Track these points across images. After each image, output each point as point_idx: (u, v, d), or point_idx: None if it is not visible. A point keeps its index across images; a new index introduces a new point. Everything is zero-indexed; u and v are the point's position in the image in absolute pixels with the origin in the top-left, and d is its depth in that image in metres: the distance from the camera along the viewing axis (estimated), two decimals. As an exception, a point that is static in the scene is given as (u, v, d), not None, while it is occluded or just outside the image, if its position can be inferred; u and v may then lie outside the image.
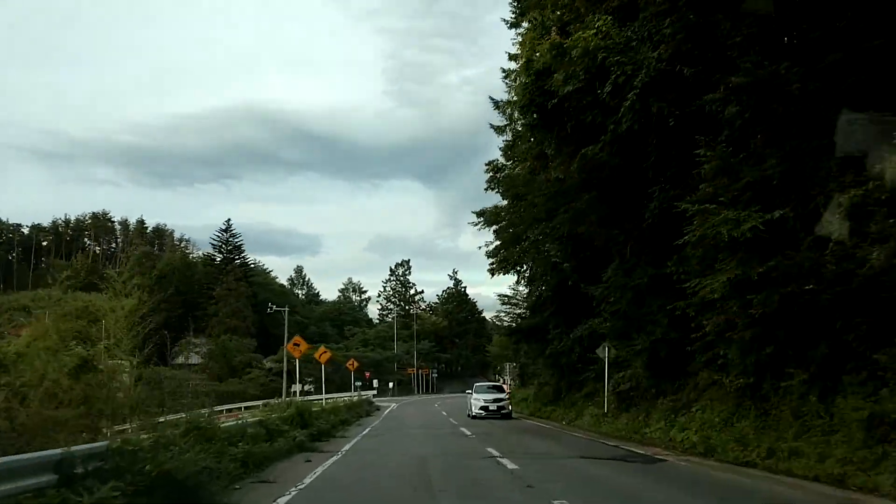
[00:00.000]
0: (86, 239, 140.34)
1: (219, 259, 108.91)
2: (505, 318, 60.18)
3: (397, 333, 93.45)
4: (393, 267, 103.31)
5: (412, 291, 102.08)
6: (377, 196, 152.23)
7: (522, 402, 43.99)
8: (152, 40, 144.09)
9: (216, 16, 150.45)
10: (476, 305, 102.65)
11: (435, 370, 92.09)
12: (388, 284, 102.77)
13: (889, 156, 9.63)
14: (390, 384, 78.62)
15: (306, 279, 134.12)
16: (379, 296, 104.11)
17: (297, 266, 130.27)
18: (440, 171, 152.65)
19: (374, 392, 72.48)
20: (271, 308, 60.96)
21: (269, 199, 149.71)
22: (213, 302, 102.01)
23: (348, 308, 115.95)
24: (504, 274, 37.84)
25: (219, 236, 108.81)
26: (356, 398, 44.26)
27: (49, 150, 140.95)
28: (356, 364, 49.94)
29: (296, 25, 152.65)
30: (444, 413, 38.73)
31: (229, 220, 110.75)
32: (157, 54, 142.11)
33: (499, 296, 46.74)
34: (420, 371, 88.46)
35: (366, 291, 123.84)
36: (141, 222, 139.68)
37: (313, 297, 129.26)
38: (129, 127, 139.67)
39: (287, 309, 58.44)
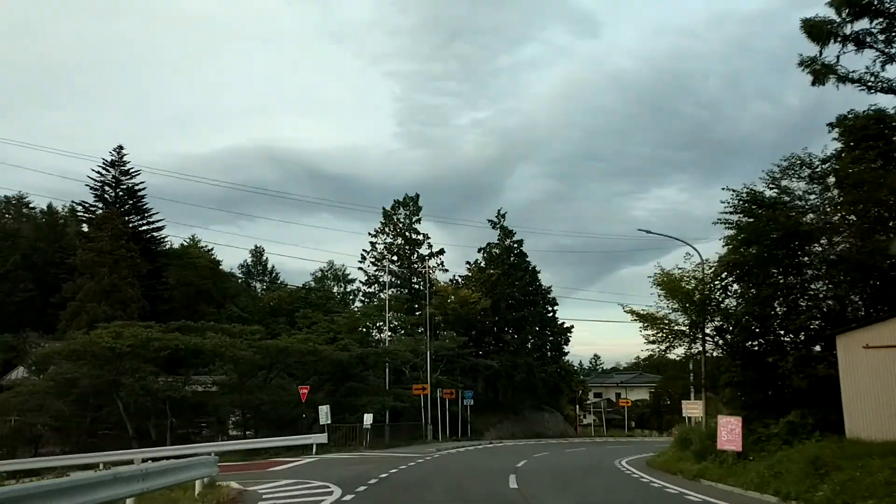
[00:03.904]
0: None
1: (101, 210, 62.93)
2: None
3: (395, 318, 48.01)
4: (389, 208, 57.42)
5: (423, 250, 56.18)
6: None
7: None
8: (169, 84, 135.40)
9: (229, 58, 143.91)
10: (538, 275, 56.77)
11: (469, 393, 46.03)
12: (380, 239, 56.91)
13: None
14: (367, 418, 32.60)
15: (268, 266, 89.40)
16: (363, 259, 58.14)
17: (256, 247, 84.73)
18: (451, 212, 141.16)
19: (313, 439, 26.94)
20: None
21: (283, 239, 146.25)
22: (81, 275, 57.00)
23: (318, 298, 70.51)
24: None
25: (100, 174, 63.42)
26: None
27: (61, 189, 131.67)
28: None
29: (309, 68, 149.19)
30: None
31: (120, 146, 65.09)
32: (174, 97, 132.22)
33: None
34: (439, 392, 42.51)
35: (353, 281, 78.77)
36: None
37: (278, 289, 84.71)
38: (143, 167, 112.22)
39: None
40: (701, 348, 24.87)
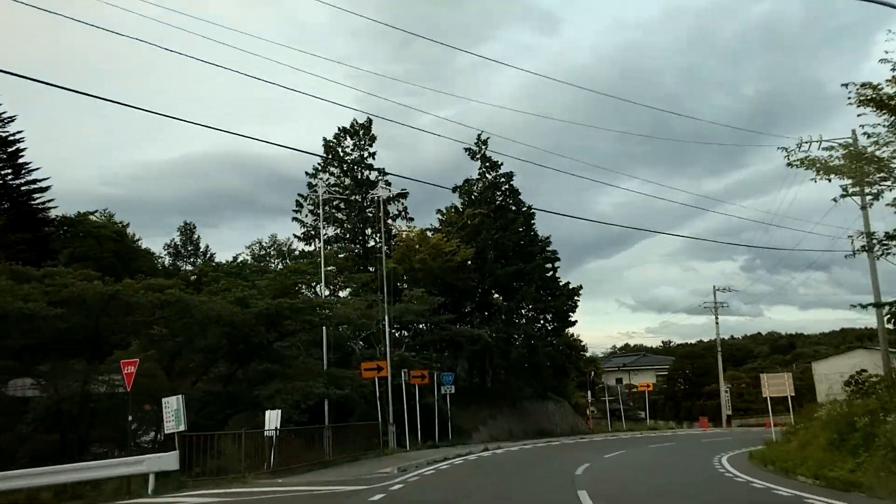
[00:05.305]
0: None
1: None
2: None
3: (342, 279, 34.21)
4: (332, 138, 43.09)
5: (381, 191, 41.76)
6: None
7: None
8: (130, 90, 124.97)
9: (190, 64, 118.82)
10: (534, 221, 42.56)
11: (449, 376, 32.05)
12: (320, 179, 42.57)
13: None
14: (270, 417, 18.20)
15: (200, 246, 73.58)
16: (299, 208, 43.71)
17: (186, 223, 69.05)
18: (416, 213, 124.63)
19: (146, 465, 11.86)
20: None
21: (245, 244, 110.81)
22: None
23: (253, 273, 55.54)
24: None
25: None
26: None
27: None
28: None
29: (270, 72, 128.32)
30: None
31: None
32: (134, 103, 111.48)
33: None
34: (405, 375, 28.38)
35: (300, 258, 63.52)
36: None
37: (204, 266, 69.19)
38: (107, 177, 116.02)
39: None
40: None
